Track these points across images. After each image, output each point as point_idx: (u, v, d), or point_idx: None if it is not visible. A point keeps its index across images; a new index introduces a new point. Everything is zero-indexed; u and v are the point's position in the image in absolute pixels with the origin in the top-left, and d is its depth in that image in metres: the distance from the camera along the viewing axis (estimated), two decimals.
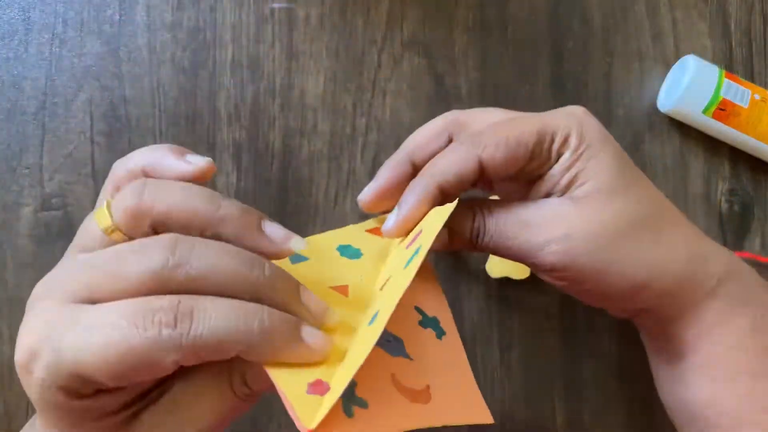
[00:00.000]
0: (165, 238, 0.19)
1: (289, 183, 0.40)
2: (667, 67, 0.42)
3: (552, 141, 0.27)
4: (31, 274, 0.39)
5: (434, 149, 0.29)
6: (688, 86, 0.40)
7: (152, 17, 0.40)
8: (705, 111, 0.40)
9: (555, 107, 0.29)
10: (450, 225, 0.28)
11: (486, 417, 0.22)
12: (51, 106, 0.40)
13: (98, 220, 0.21)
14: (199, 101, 0.40)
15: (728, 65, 0.43)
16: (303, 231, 0.39)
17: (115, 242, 0.21)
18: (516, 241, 0.27)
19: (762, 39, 0.43)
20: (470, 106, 0.41)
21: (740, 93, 0.40)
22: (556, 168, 0.27)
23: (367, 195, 0.29)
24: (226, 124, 0.40)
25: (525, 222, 0.27)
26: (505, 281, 0.40)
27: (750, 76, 0.43)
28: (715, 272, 0.28)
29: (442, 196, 0.27)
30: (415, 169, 0.29)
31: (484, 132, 0.27)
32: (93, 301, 0.19)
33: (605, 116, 0.42)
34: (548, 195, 0.28)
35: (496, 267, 0.39)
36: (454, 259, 0.41)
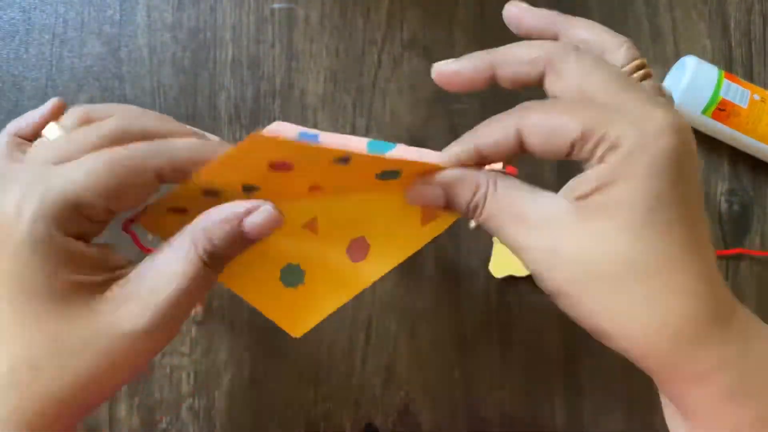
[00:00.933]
0: (110, 118, 0.24)
1: None
2: (667, 67, 0.42)
3: (596, 144, 0.22)
4: None
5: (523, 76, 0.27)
6: (688, 86, 0.40)
7: (152, 17, 0.40)
8: (704, 111, 0.40)
9: None
10: (450, 194, 0.25)
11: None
12: None
13: (50, 134, 0.25)
14: (199, 101, 0.40)
15: (728, 65, 0.43)
16: None
17: None
18: (504, 231, 0.24)
19: (761, 39, 0.43)
20: (470, 107, 0.41)
21: (740, 93, 0.40)
22: (591, 173, 0.23)
23: (444, 68, 0.28)
24: (226, 124, 0.40)
25: (517, 215, 0.24)
26: (507, 279, 0.40)
27: (749, 77, 0.43)
28: (706, 364, 0.23)
29: (479, 159, 0.25)
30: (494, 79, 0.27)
31: (533, 108, 0.25)
32: (65, 161, 0.22)
33: None
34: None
35: (499, 267, 0.39)
36: (455, 259, 0.41)
